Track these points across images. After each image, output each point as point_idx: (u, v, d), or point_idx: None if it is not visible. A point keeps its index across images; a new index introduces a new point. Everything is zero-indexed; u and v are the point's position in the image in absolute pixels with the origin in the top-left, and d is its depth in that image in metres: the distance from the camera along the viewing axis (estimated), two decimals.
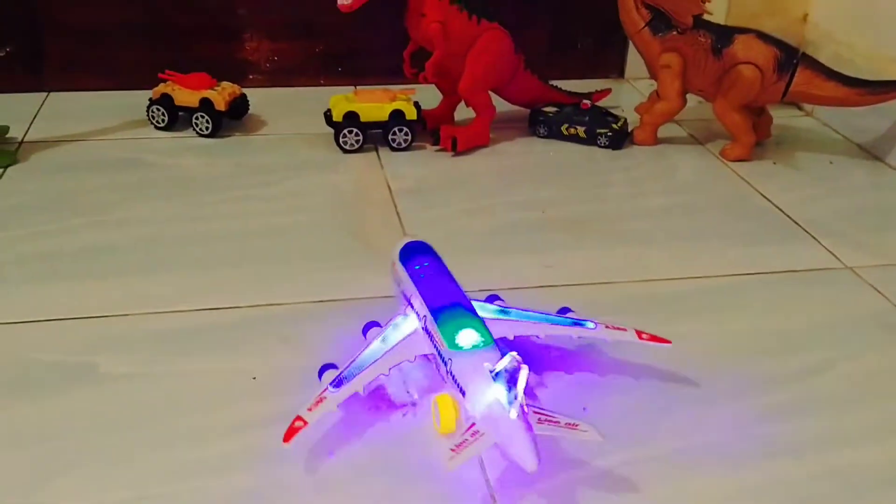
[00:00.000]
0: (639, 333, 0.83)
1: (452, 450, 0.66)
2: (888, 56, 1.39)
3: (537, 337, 0.85)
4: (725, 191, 1.29)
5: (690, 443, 0.78)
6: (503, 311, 0.85)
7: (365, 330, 0.86)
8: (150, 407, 0.80)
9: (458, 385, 0.72)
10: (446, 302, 0.78)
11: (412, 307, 0.81)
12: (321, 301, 0.96)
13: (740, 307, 0.99)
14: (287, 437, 0.70)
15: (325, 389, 0.74)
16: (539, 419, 0.69)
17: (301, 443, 0.72)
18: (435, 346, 0.77)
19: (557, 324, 0.84)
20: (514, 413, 0.65)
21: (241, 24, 1.56)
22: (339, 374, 0.75)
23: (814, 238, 1.14)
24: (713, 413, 0.82)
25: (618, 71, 1.71)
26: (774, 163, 1.37)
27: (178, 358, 0.86)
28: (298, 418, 0.71)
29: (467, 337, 0.74)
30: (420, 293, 0.80)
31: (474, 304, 0.81)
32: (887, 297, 1.01)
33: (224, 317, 0.93)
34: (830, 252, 1.11)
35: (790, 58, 1.32)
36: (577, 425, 0.69)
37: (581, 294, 0.99)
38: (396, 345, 0.78)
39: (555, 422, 0.69)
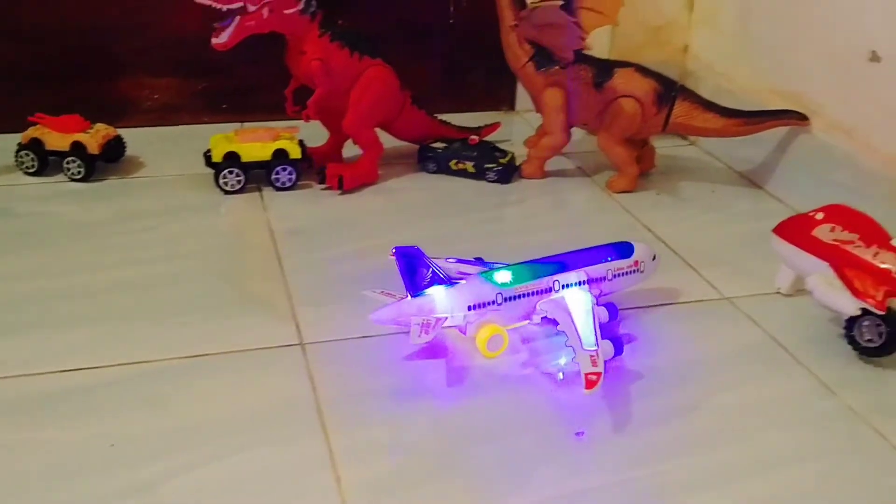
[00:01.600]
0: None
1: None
2: (765, 87, 1.43)
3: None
4: (611, 223, 1.30)
5: (567, 488, 0.77)
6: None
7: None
8: (3, 481, 0.74)
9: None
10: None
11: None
12: (189, 357, 0.92)
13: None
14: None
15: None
16: None
17: None
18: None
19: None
20: None
21: (118, 63, 1.51)
22: None
23: (694, 269, 1.16)
24: (590, 457, 0.81)
25: (508, 104, 1.72)
26: (658, 193, 1.39)
27: (30, 427, 0.81)
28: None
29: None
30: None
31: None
32: (764, 328, 1.03)
33: (83, 379, 0.88)
34: (709, 283, 1.12)
35: (669, 90, 1.34)
36: None
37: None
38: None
39: None
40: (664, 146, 1.49)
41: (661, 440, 0.84)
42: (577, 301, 0.93)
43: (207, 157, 1.31)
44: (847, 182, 1.23)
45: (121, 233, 1.18)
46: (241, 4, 1.21)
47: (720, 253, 1.20)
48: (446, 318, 0.91)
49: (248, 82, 1.54)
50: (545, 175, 1.43)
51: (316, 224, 1.25)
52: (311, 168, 1.37)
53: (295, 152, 1.32)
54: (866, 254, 0.98)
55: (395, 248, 0.92)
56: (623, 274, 1.00)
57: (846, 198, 1.15)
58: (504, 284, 0.93)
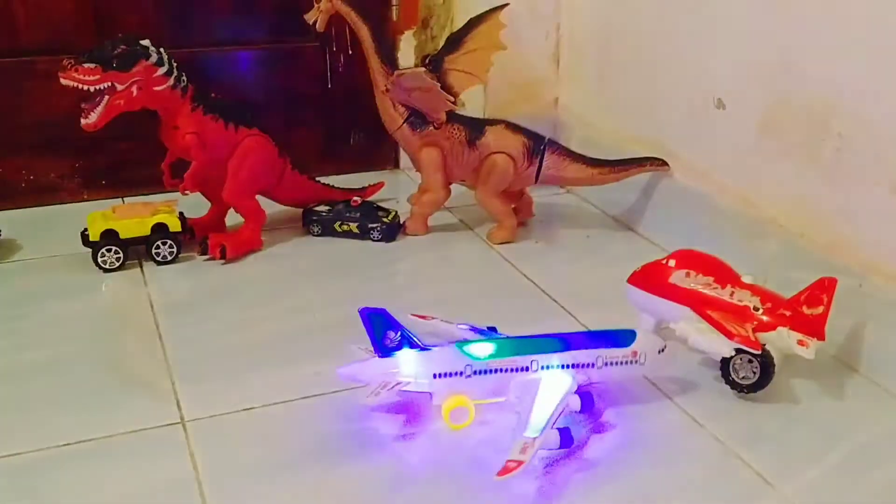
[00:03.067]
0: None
1: None
2: (628, 135, 1.51)
3: None
4: (493, 275, 1.34)
5: None
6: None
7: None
8: None
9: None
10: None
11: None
12: (65, 445, 0.90)
13: None
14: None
15: None
16: None
17: None
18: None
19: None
20: None
21: None
22: None
23: (569, 313, 1.20)
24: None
25: (393, 162, 1.76)
26: (536, 242, 1.44)
27: None
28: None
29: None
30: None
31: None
32: None
33: None
34: (584, 326, 1.16)
35: (538, 144, 1.40)
36: None
37: (356, 397, 0.99)
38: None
39: None
40: (542, 195, 1.55)
41: (543, 481, 0.86)
42: (551, 384, 0.91)
43: (85, 235, 1.29)
44: (706, 221, 1.30)
45: None
46: (109, 84, 1.22)
47: (595, 296, 1.25)
48: (409, 382, 0.91)
49: (125, 157, 1.54)
50: (429, 230, 1.46)
51: (199, 296, 1.25)
52: (194, 239, 1.37)
53: (175, 225, 1.31)
54: (723, 294, 1.04)
55: (361, 308, 0.94)
56: (617, 363, 0.96)
57: (707, 235, 1.24)
58: (476, 357, 0.92)
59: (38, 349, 1.09)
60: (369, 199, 1.51)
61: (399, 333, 0.92)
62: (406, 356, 0.92)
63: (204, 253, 1.34)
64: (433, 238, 1.46)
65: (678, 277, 1.07)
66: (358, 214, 1.44)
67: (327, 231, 1.44)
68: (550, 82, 1.71)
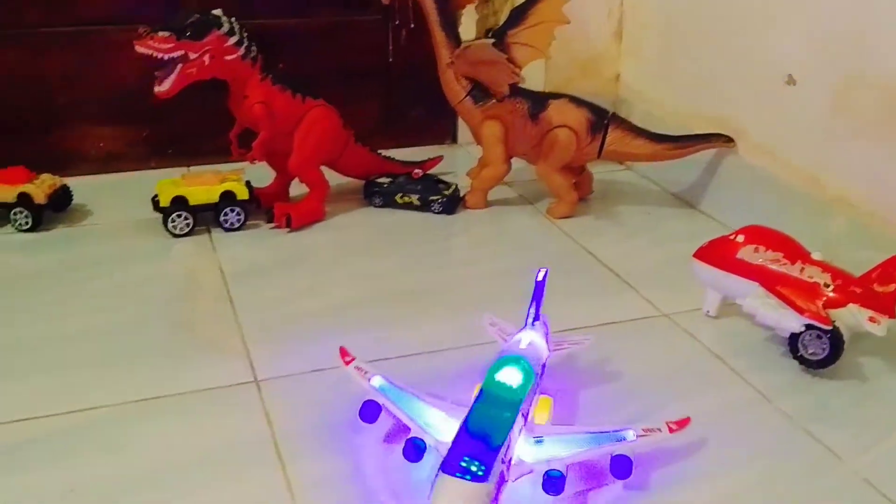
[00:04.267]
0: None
1: None
2: (691, 112, 1.49)
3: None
4: (553, 249, 1.34)
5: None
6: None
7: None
8: None
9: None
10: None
11: None
12: (143, 400, 0.93)
13: (569, 362, 1.02)
14: None
15: None
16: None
17: None
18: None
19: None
20: None
21: (61, 114, 1.52)
22: None
23: (633, 288, 1.20)
24: None
25: (451, 137, 1.76)
26: (597, 218, 1.44)
27: None
28: None
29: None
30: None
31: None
32: (700, 340, 1.08)
33: (38, 428, 0.89)
34: (648, 301, 1.17)
35: (601, 119, 1.40)
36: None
37: (422, 362, 1.01)
38: None
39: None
40: (601, 171, 1.55)
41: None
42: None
43: (155, 202, 1.32)
44: (772, 200, 1.29)
45: (71, 281, 1.19)
46: (182, 52, 1.24)
47: (657, 272, 1.25)
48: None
49: (193, 127, 1.56)
50: (488, 205, 1.47)
51: (265, 263, 1.27)
52: (259, 208, 1.39)
53: (242, 193, 1.34)
54: (793, 270, 1.03)
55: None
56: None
57: (772, 214, 1.22)
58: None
59: (112, 310, 1.12)
60: (429, 172, 1.52)
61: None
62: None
63: (270, 222, 1.37)
64: (492, 212, 1.47)
65: (747, 253, 1.06)
66: (419, 187, 1.45)
67: (388, 203, 1.46)
68: (612, 58, 1.70)
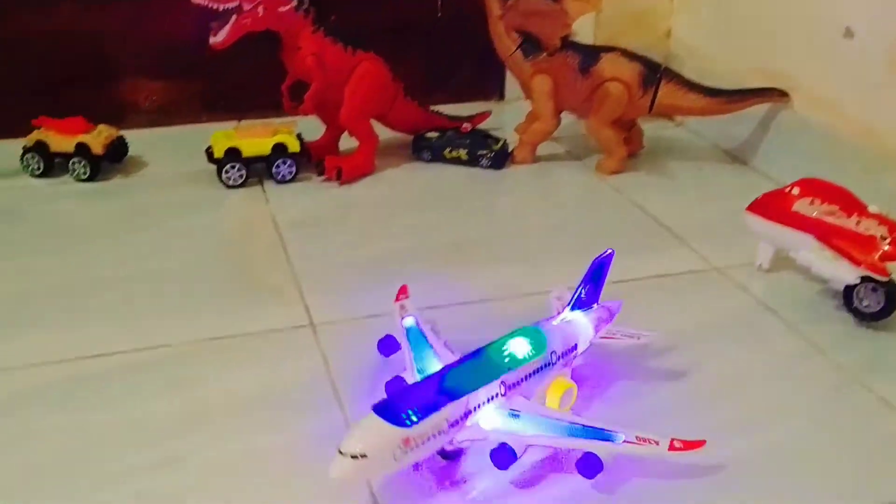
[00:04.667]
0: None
1: None
2: (745, 66, 1.47)
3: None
4: (602, 204, 1.34)
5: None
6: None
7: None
8: (42, 462, 0.78)
9: None
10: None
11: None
12: (209, 339, 0.96)
13: (622, 313, 1.02)
14: None
15: None
16: None
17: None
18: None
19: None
20: None
21: (116, 68, 1.54)
22: None
23: (684, 242, 1.20)
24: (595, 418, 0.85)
25: (498, 93, 1.76)
26: (647, 173, 1.43)
27: (62, 410, 0.85)
28: None
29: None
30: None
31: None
32: (752, 293, 1.08)
33: (108, 364, 0.92)
34: (699, 254, 1.17)
35: (654, 73, 1.39)
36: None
37: (470, 313, 1.02)
38: None
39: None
40: (651, 127, 1.53)
41: (661, 402, 0.88)
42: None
43: (209, 153, 1.34)
44: (826, 154, 1.27)
45: (130, 229, 1.22)
46: (236, 3, 1.25)
47: (708, 227, 1.25)
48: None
49: (243, 81, 1.57)
50: (536, 160, 1.47)
51: (317, 214, 1.29)
52: (310, 161, 1.40)
53: (294, 146, 1.35)
54: (849, 223, 1.02)
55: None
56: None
57: (826, 170, 1.20)
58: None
59: (170, 256, 1.15)
60: (477, 127, 1.52)
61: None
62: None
63: (321, 174, 1.38)
64: (541, 167, 1.47)
65: (802, 205, 1.05)
66: (467, 141, 1.46)
67: (437, 157, 1.46)
68: (664, 12, 1.67)
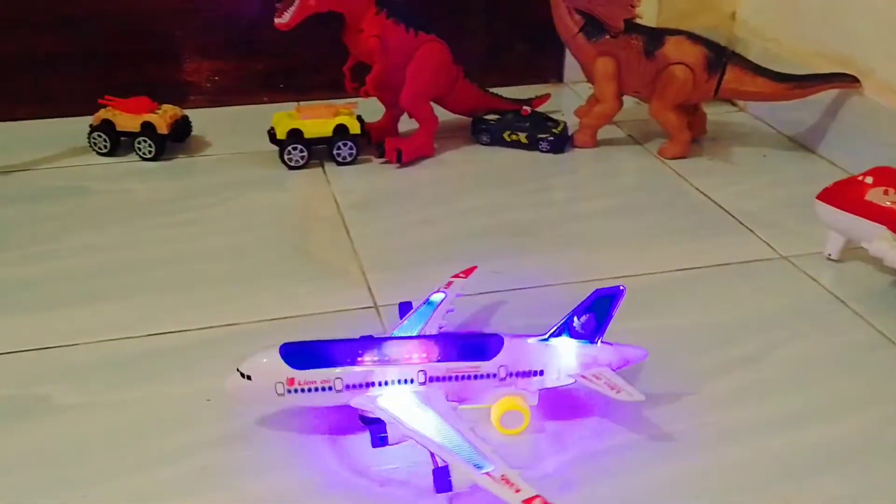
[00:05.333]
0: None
1: None
2: (813, 50, 1.44)
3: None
4: (665, 189, 1.32)
5: (637, 435, 0.81)
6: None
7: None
8: (108, 435, 0.80)
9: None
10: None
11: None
12: (273, 319, 0.97)
13: (684, 301, 1.02)
14: None
15: None
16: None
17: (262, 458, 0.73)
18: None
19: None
20: None
21: (178, 46, 1.56)
22: None
23: (750, 230, 1.18)
24: (661, 404, 0.84)
25: (557, 75, 1.74)
26: (710, 159, 1.41)
27: (131, 384, 0.87)
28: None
29: None
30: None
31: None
32: (821, 283, 1.06)
33: (174, 341, 0.93)
34: (766, 243, 1.15)
35: (719, 56, 1.36)
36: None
37: (528, 297, 1.02)
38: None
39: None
40: (714, 113, 1.51)
41: (727, 390, 0.87)
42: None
43: (271, 134, 1.35)
44: None
45: (194, 207, 1.23)
46: None
47: (774, 215, 1.22)
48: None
49: (304, 62, 1.59)
50: (597, 144, 1.45)
51: (378, 196, 1.29)
52: (370, 143, 1.41)
53: (355, 128, 1.36)
54: None
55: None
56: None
57: None
58: None
59: (236, 234, 1.16)
60: (537, 109, 1.51)
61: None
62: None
63: (381, 156, 1.38)
64: (601, 151, 1.45)
65: (875, 195, 1.03)
66: (527, 125, 1.45)
67: (496, 140, 1.46)
68: None
